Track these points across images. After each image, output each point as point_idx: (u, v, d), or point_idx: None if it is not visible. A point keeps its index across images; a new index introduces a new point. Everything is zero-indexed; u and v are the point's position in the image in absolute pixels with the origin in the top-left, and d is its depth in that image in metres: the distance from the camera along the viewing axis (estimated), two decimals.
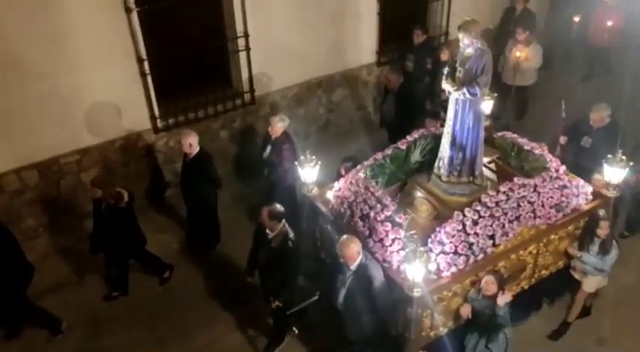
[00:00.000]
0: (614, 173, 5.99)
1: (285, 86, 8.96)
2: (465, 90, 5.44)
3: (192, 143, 7.03)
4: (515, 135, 6.63)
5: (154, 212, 8.29)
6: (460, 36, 5.33)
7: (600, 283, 6.36)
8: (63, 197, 7.76)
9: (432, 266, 5.34)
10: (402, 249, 5.39)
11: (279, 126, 7.44)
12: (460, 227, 5.45)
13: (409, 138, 6.50)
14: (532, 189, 5.75)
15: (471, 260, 5.45)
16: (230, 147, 8.82)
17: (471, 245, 5.44)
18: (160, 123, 8.11)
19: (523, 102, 10.23)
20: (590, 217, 6.08)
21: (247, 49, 8.21)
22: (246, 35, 8.10)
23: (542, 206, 5.76)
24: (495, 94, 6.97)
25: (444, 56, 8.99)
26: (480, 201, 5.59)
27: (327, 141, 9.40)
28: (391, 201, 5.67)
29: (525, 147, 6.41)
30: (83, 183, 7.68)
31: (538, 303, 6.68)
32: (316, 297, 6.03)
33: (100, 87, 7.38)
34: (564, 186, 5.96)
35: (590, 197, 6.14)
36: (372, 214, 5.59)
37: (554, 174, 5.97)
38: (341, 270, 5.38)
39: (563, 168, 6.24)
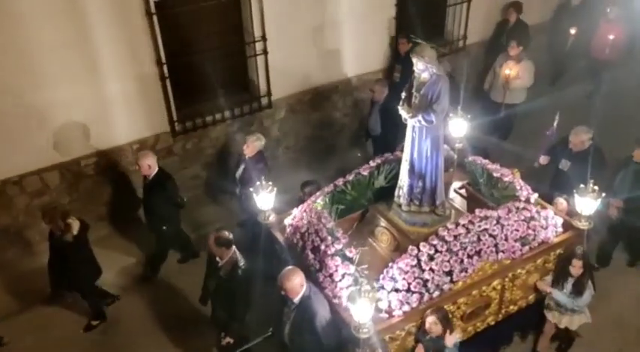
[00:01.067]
0: (585, 204, 5.61)
1: (301, 90, 8.96)
2: (420, 117, 5.13)
3: (150, 164, 6.81)
4: (485, 161, 6.28)
5: None
6: (414, 61, 5.02)
7: (581, 320, 5.98)
8: (81, 199, 7.81)
9: (383, 305, 5.02)
10: (352, 285, 5.08)
11: (255, 145, 7.28)
12: (414, 262, 5.13)
13: (372, 163, 6.18)
14: (495, 222, 5.41)
15: (426, 297, 5.12)
16: None
17: (425, 282, 5.11)
18: (177, 126, 8.13)
19: (509, 122, 9.83)
20: (565, 252, 5.72)
21: (265, 52, 8.21)
22: (264, 39, 8.10)
23: (506, 240, 5.41)
24: (469, 115, 6.61)
25: None
26: (437, 234, 5.27)
27: (342, 145, 9.61)
28: (342, 234, 5.36)
29: (495, 174, 6.08)
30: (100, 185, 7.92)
31: (509, 337, 6.32)
32: (269, 333, 5.73)
33: (121, 89, 7.42)
34: (532, 218, 5.60)
35: (560, 229, 5.77)
36: (322, 247, 5.29)
37: (521, 205, 5.62)
38: (286, 303, 5.11)
39: (534, 196, 5.90)
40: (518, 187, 5.93)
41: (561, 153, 7.16)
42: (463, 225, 5.30)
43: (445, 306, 5.27)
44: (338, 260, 5.17)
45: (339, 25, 8.73)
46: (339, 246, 5.22)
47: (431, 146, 5.32)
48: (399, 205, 5.78)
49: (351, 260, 5.17)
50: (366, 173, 6.12)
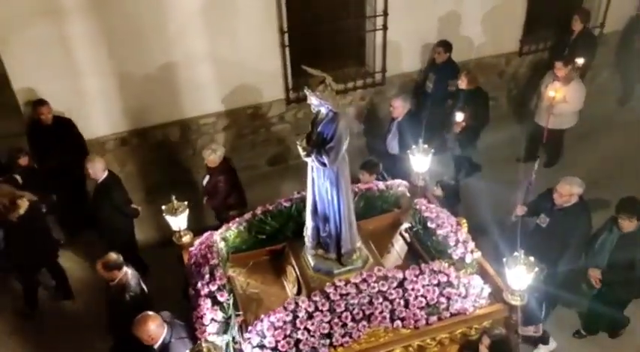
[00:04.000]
0: (516, 276, 4.75)
1: (417, 69, 8.99)
2: (313, 156, 4.52)
3: (97, 169, 6.55)
4: (427, 206, 5.51)
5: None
6: (307, 94, 4.40)
7: None
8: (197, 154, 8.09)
9: None
10: (219, 333, 4.63)
11: (211, 159, 6.94)
12: (289, 318, 4.57)
13: (296, 194, 5.63)
14: (396, 284, 4.71)
15: None
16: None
17: (297, 342, 4.54)
18: (291, 95, 8.40)
19: (556, 148, 8.78)
20: (487, 328, 4.92)
21: (384, 28, 8.30)
22: (385, 14, 8.18)
23: (406, 306, 4.70)
24: (433, 151, 5.86)
25: (462, 84, 7.93)
26: (320, 290, 4.66)
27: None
28: (221, 275, 4.87)
29: (429, 224, 5.32)
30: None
31: None
32: None
33: (244, 54, 7.81)
34: (448, 284, 4.82)
35: (484, 301, 4.94)
36: (198, 285, 4.85)
37: (437, 268, 4.86)
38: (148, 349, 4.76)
39: (471, 256, 5.12)
40: (452, 243, 5.15)
41: (542, 206, 6.20)
42: (354, 284, 4.65)
43: None
44: (209, 303, 4.71)
45: (464, 5, 8.70)
46: (213, 288, 4.76)
47: (330, 188, 4.69)
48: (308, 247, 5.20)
49: (221, 305, 4.69)
50: (287, 204, 5.57)
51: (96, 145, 7.75)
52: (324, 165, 4.50)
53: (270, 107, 8.51)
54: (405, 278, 4.74)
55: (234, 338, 4.69)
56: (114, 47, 7.28)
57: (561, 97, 7.95)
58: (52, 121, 7.13)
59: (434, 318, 4.78)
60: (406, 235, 5.76)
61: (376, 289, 4.65)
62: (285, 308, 4.60)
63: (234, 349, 4.64)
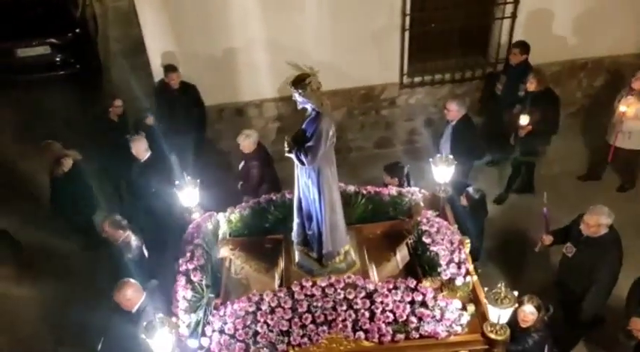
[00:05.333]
0: (496, 312, 4.45)
1: (544, 62, 8.37)
2: (294, 153, 4.48)
3: (140, 149, 6.84)
4: (430, 219, 5.27)
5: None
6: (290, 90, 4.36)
7: None
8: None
9: (205, 342, 4.65)
10: (187, 312, 4.77)
11: (245, 144, 7.08)
12: (252, 309, 4.61)
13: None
14: (364, 295, 4.58)
15: (253, 349, 4.58)
16: None
17: (255, 334, 4.57)
18: (405, 79, 8.37)
19: (629, 172, 8.10)
20: None
21: (513, 16, 8.04)
22: (515, 1, 7.91)
23: (371, 319, 4.55)
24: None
25: (531, 86, 7.50)
26: (287, 287, 4.65)
27: (574, 128, 8.96)
28: (200, 255, 4.99)
29: (424, 239, 5.09)
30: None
31: None
32: None
33: (362, 34, 7.81)
34: (423, 304, 4.61)
35: (460, 329, 4.65)
36: (179, 261, 5.02)
37: (412, 285, 4.66)
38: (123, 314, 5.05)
39: (463, 280, 4.86)
40: (444, 262, 4.90)
41: (572, 233, 5.72)
42: (321, 287, 4.59)
43: None
44: (183, 280, 4.86)
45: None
46: (190, 266, 4.90)
47: (312, 188, 4.63)
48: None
49: (193, 284, 4.82)
50: (291, 196, 5.55)
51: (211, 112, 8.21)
52: (301, 163, 4.45)
53: (383, 90, 8.47)
54: (375, 290, 4.60)
55: (204, 318, 4.78)
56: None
57: (634, 113, 7.21)
58: (178, 86, 7.66)
59: (401, 336, 4.58)
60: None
61: (342, 296, 4.56)
62: (250, 299, 4.64)
63: (201, 329, 4.74)
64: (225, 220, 5.66)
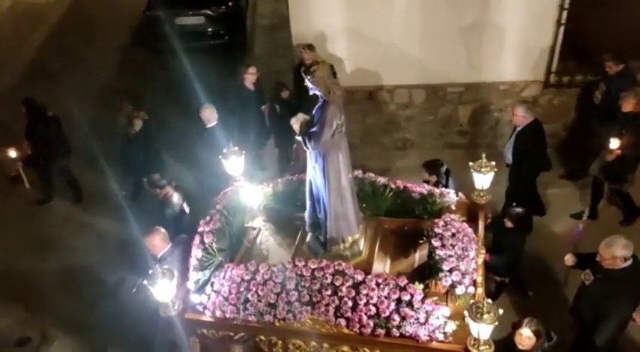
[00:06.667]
0: (475, 326, 4.34)
1: None
2: (302, 137, 4.65)
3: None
4: (449, 222, 5.15)
5: None
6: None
7: None
8: (437, 122, 8.48)
9: (204, 299, 5.04)
10: (197, 270, 5.18)
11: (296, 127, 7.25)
12: (247, 278, 4.90)
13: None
14: (350, 284, 4.67)
15: (241, 315, 4.89)
16: None
17: (246, 301, 4.87)
18: (552, 78, 7.96)
19: None
20: None
21: None
22: None
23: (353, 309, 4.63)
24: (493, 163, 5.46)
25: (627, 106, 6.99)
26: (282, 263, 4.87)
27: None
28: (217, 221, 5.33)
29: (433, 242, 5.00)
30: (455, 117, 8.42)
31: None
32: None
33: (512, 27, 7.58)
34: (409, 304, 4.60)
35: (442, 336, 4.57)
36: (201, 222, 5.42)
37: (402, 283, 4.66)
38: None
39: (462, 289, 4.78)
40: (446, 268, 4.82)
41: (594, 261, 5.32)
42: (311, 269, 4.75)
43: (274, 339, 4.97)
44: (197, 239, 5.27)
45: None
46: (206, 228, 5.28)
47: (319, 172, 4.77)
48: None
49: (204, 246, 5.20)
50: None
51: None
52: (306, 147, 4.60)
53: (525, 87, 8.05)
54: (362, 282, 4.66)
55: (211, 278, 5.15)
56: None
57: None
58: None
59: (382, 331, 4.62)
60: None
61: (329, 281, 4.68)
62: (247, 268, 4.92)
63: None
64: (262, 193, 5.95)
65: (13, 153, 7.72)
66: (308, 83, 4.46)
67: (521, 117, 6.81)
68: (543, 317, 4.89)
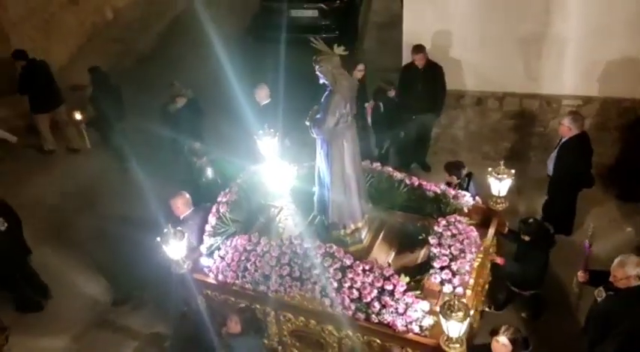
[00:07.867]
0: (445, 323, 4.45)
1: None
2: (309, 122, 4.93)
3: None
4: (452, 223, 5.23)
5: None
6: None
7: None
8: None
9: (210, 262, 5.48)
10: (208, 233, 5.62)
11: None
12: (249, 248, 5.28)
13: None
14: (338, 266, 4.91)
15: (239, 282, 5.28)
16: None
17: (244, 269, 5.25)
18: None
19: None
20: None
21: None
22: None
23: (337, 290, 4.88)
24: (513, 171, 5.50)
25: None
26: (283, 239, 5.20)
27: None
28: (232, 194, 5.74)
29: (430, 240, 5.12)
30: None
31: None
32: None
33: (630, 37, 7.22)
34: (390, 294, 4.78)
35: (418, 329, 4.71)
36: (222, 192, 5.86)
37: (388, 273, 4.84)
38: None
39: (449, 288, 4.89)
40: (437, 266, 4.95)
41: (605, 279, 5.18)
42: (305, 247, 5.04)
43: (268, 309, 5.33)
44: (214, 208, 5.70)
45: None
46: (223, 199, 5.71)
47: (323, 158, 5.03)
48: None
49: (219, 214, 5.63)
50: None
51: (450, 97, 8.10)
52: (312, 134, 4.88)
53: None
54: (349, 266, 4.88)
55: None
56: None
57: None
58: (423, 66, 7.71)
59: (361, 315, 4.84)
60: None
61: (319, 260, 4.94)
62: (250, 239, 5.29)
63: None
64: (292, 174, 6.28)
65: (78, 116, 8.45)
66: (318, 73, 4.71)
67: (567, 127, 6.63)
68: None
